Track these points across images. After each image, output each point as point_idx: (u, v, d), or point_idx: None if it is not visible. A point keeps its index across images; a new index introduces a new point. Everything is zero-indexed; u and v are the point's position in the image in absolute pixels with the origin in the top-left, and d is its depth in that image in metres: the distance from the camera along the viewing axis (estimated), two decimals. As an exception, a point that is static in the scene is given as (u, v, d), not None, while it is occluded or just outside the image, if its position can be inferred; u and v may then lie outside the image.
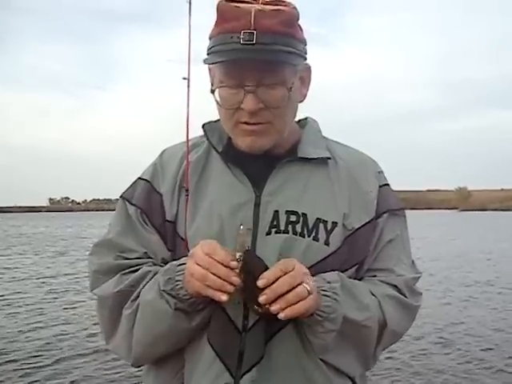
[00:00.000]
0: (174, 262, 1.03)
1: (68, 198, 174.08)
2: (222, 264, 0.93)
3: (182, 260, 1.02)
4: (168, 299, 1.00)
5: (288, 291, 0.92)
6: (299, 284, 0.93)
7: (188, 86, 1.10)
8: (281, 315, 0.93)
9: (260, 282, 0.93)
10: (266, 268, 0.95)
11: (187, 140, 1.13)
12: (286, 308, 0.92)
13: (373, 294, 1.07)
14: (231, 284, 0.93)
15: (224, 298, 0.93)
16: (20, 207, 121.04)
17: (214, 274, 0.93)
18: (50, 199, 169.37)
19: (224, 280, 0.92)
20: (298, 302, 0.93)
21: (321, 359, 1.04)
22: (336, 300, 0.99)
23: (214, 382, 1.01)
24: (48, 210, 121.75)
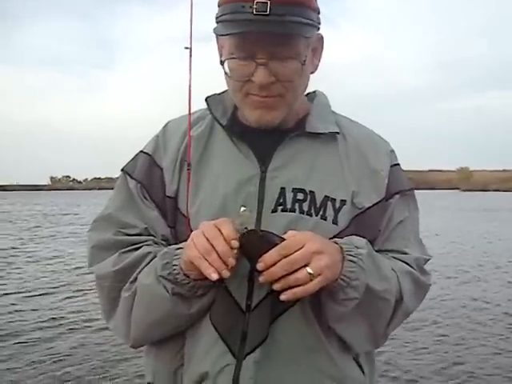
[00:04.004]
0: (172, 246, 1.00)
1: (69, 177, 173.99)
2: (225, 240, 0.90)
3: (181, 244, 0.99)
4: (165, 284, 0.98)
5: (289, 274, 0.90)
6: (303, 266, 0.90)
7: (190, 56, 1.06)
8: (282, 297, 0.91)
9: (258, 266, 0.91)
10: (273, 245, 0.91)
11: (189, 112, 1.09)
12: (287, 289, 0.90)
13: (391, 268, 1.04)
14: (226, 264, 0.90)
15: (215, 276, 0.90)
16: (21, 185, 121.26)
17: (214, 248, 0.90)
18: (51, 178, 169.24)
19: (221, 259, 0.89)
20: (300, 285, 0.90)
21: (328, 334, 1.01)
22: (361, 267, 0.96)
23: (215, 363, 0.99)
24: (50, 188, 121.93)
